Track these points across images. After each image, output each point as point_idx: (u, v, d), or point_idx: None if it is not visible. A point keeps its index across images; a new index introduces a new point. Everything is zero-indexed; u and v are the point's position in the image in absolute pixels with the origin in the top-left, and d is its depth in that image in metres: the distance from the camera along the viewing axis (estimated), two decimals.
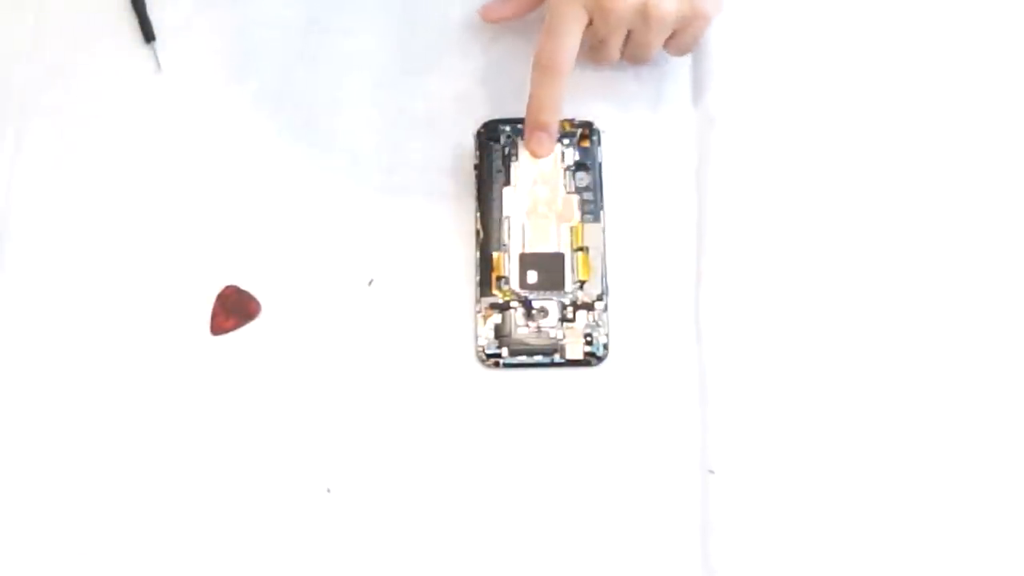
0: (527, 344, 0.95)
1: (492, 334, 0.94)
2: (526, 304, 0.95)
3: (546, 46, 0.94)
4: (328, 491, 0.91)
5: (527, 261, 0.96)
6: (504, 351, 0.94)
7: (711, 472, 0.91)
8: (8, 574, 0.89)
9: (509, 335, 0.95)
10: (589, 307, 0.95)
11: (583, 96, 0.99)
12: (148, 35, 1.02)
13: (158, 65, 1.01)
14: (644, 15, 0.93)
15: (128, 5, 1.02)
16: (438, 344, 0.94)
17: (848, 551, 0.90)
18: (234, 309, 0.95)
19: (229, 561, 0.90)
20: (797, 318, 0.94)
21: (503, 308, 0.95)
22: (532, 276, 0.96)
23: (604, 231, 0.96)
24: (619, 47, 0.97)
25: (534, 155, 0.97)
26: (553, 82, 0.94)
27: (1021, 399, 0.93)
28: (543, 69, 0.94)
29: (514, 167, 0.98)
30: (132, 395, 0.93)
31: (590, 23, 0.94)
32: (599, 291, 0.95)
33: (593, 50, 0.98)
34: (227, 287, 0.95)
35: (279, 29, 1.02)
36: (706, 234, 0.96)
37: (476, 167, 0.98)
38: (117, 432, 0.92)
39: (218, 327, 0.94)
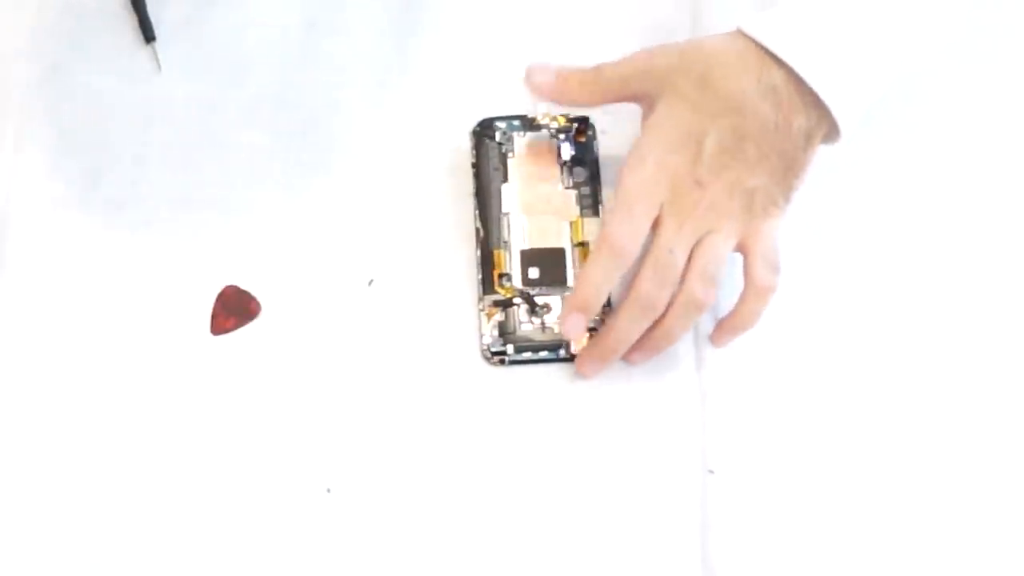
0: (532, 340, 0.92)
1: (496, 331, 0.92)
2: (529, 300, 0.93)
3: (622, 227, 0.87)
4: (328, 491, 0.89)
5: (528, 257, 0.94)
6: (509, 348, 0.92)
7: (711, 472, 0.89)
8: (8, 574, 0.87)
9: (513, 332, 0.92)
10: None
11: None
12: (148, 35, 1.00)
13: (158, 65, 0.99)
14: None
15: (128, 5, 1.01)
16: (441, 343, 0.92)
17: (848, 551, 0.88)
18: (234, 309, 0.93)
19: (229, 561, 0.88)
20: (796, 319, 0.93)
21: (506, 305, 0.93)
22: (534, 272, 0.94)
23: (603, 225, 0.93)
24: (684, 262, 0.87)
25: (566, 336, 0.90)
26: (617, 267, 0.87)
27: (1020, 400, 0.91)
28: (613, 251, 0.87)
29: (511, 164, 0.96)
30: (132, 395, 0.91)
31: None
32: None
33: (658, 262, 0.87)
34: (227, 287, 0.93)
35: (279, 29, 1.00)
36: None
37: (474, 165, 0.96)
38: (117, 432, 0.90)
39: (218, 327, 0.93)
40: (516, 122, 0.96)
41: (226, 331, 0.92)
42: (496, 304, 0.93)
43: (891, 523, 0.88)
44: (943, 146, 0.97)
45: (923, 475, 0.89)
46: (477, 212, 0.95)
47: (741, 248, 0.89)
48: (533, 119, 0.96)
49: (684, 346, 0.92)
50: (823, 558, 0.88)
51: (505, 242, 0.94)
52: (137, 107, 0.98)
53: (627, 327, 0.89)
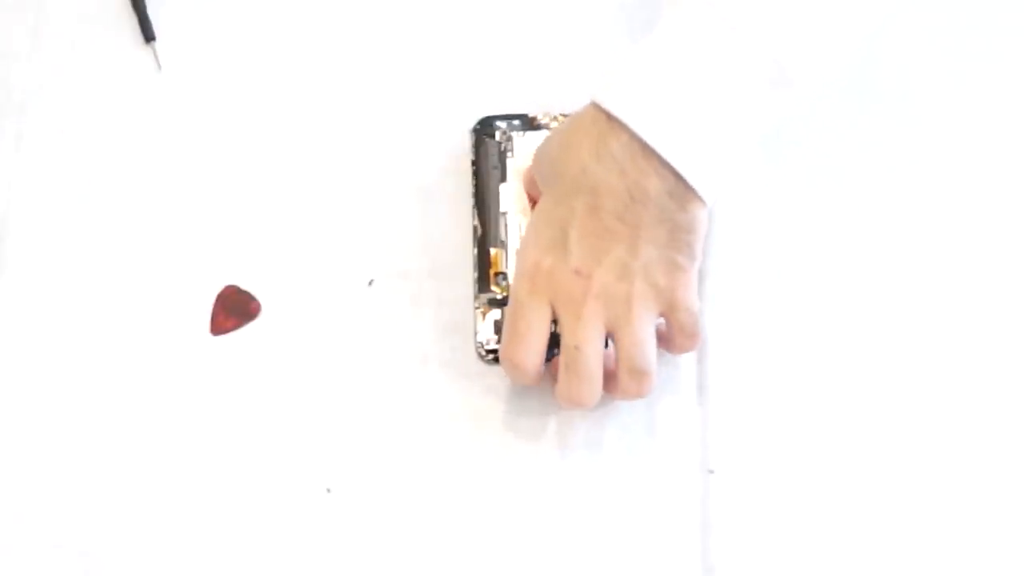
0: None
1: (491, 330, 0.89)
2: None
3: (512, 349, 0.84)
4: (328, 491, 0.87)
5: None
6: None
7: (711, 472, 0.87)
8: (7, 573, 0.86)
9: None
10: None
11: (577, 92, 0.91)
12: (148, 35, 0.98)
13: (158, 65, 0.97)
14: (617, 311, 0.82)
15: (128, 5, 0.99)
16: (438, 341, 0.91)
17: (848, 551, 0.86)
18: (234, 309, 0.91)
19: (229, 561, 0.86)
20: (798, 318, 0.91)
21: (502, 304, 0.90)
22: None
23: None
24: (598, 352, 0.83)
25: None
26: (527, 379, 0.85)
27: (1020, 401, 0.90)
28: (513, 368, 0.84)
29: (510, 163, 0.93)
30: (132, 395, 0.89)
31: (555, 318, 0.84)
32: None
33: (569, 361, 0.83)
34: (227, 287, 0.91)
35: (279, 29, 0.98)
36: (709, 232, 0.90)
37: (473, 163, 0.94)
38: (117, 432, 0.88)
39: (218, 327, 0.91)
40: (516, 121, 0.94)
41: (226, 331, 0.91)
42: (491, 303, 0.90)
43: (893, 523, 0.87)
44: (942, 146, 0.96)
45: (925, 474, 0.88)
46: (475, 211, 0.92)
47: (663, 316, 0.84)
48: (533, 118, 0.94)
49: None
50: (824, 558, 0.86)
51: (502, 241, 0.91)
52: (137, 107, 0.96)
53: (568, 410, 0.87)
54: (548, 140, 0.86)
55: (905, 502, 0.87)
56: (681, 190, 0.81)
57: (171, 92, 0.97)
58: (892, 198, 0.94)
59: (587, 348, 0.83)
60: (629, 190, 0.81)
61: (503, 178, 0.93)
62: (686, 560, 0.86)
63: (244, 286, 0.91)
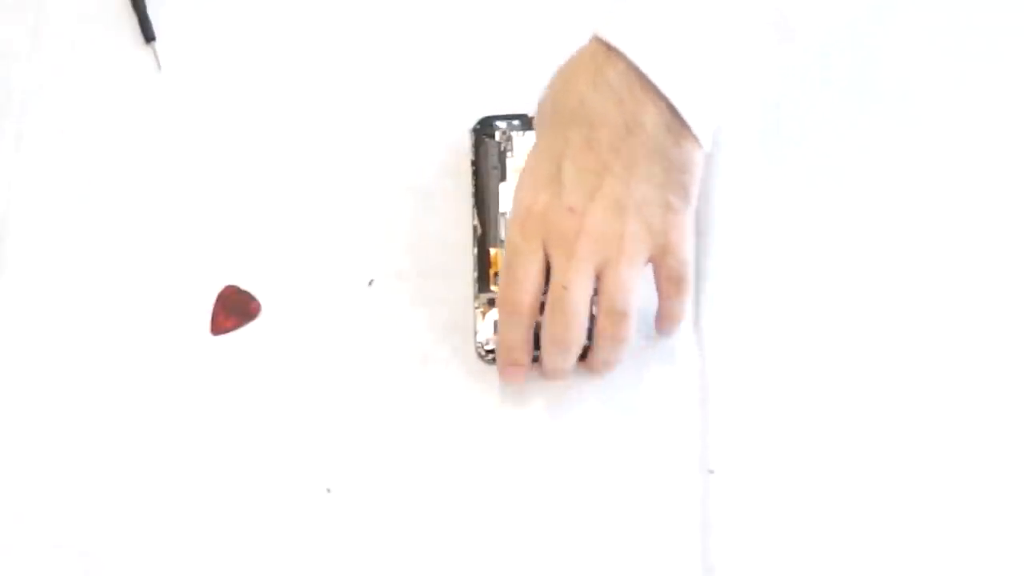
0: None
1: (491, 330, 0.89)
2: None
3: (507, 291, 0.84)
4: (328, 491, 0.87)
5: None
6: None
7: (711, 472, 0.87)
8: (6, 573, 0.85)
9: None
10: None
11: None
12: (148, 35, 0.98)
13: (158, 65, 0.97)
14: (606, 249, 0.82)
15: (128, 5, 0.99)
16: (438, 341, 0.90)
17: (848, 551, 0.86)
18: (234, 309, 0.91)
19: (229, 561, 0.85)
20: (798, 318, 0.91)
21: None
22: None
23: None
24: (585, 293, 0.83)
25: (508, 383, 0.88)
26: (520, 325, 0.84)
27: (1020, 400, 0.89)
28: (508, 314, 0.85)
29: (510, 163, 0.93)
30: (132, 395, 0.89)
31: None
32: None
33: (555, 300, 0.83)
34: (227, 287, 0.91)
35: (279, 29, 0.98)
36: (709, 232, 0.92)
37: (473, 163, 0.93)
38: (117, 432, 0.88)
39: (218, 327, 0.90)
40: (516, 121, 0.94)
41: (226, 331, 0.90)
42: (491, 302, 0.90)
43: (892, 523, 0.86)
44: (942, 146, 0.95)
45: (925, 474, 0.87)
46: (475, 211, 0.92)
47: (652, 261, 0.85)
48: (533, 118, 0.93)
49: (684, 345, 0.90)
50: (824, 558, 0.86)
51: (502, 241, 0.91)
52: (137, 107, 0.96)
53: (552, 364, 0.86)
54: (549, 84, 0.86)
55: (905, 501, 0.87)
56: (677, 125, 0.81)
57: (171, 92, 0.96)
58: (892, 198, 0.94)
59: (575, 287, 0.82)
60: (626, 122, 0.81)
61: (503, 178, 0.92)
62: (686, 560, 0.85)
63: (244, 286, 0.91)
